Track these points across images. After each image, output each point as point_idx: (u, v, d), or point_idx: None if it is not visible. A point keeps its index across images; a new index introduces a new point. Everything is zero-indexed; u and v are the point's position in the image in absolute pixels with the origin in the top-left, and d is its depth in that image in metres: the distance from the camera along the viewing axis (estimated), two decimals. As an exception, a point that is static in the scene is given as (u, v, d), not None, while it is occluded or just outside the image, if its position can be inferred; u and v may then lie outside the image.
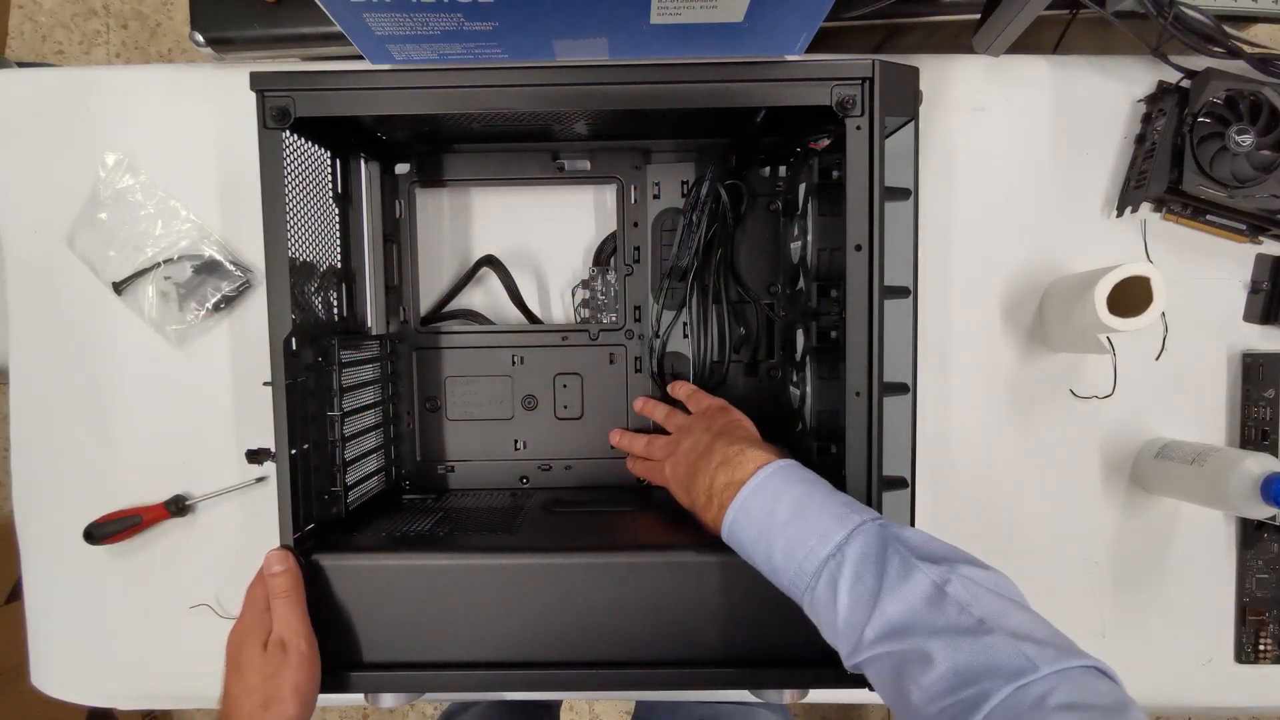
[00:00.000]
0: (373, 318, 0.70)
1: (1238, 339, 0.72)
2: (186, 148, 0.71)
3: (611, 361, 0.72)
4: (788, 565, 0.48)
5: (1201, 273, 0.71)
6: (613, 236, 0.72)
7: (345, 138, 0.65)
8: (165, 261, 0.71)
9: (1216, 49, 0.65)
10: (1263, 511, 0.62)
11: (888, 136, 0.55)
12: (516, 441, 0.73)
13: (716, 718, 0.77)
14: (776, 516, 0.49)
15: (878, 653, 0.43)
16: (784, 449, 0.55)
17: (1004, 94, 0.70)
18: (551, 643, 0.55)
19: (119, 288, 0.72)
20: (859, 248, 0.53)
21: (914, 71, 0.56)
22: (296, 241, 0.57)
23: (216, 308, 0.71)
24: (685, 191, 0.70)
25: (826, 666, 0.53)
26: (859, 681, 0.52)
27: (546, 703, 0.96)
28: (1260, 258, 0.71)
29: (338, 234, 0.66)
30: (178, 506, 0.72)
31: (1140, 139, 0.70)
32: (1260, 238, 0.70)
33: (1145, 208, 0.70)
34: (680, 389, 0.68)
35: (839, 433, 0.55)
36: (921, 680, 0.41)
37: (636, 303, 0.71)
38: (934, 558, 0.45)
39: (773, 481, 0.50)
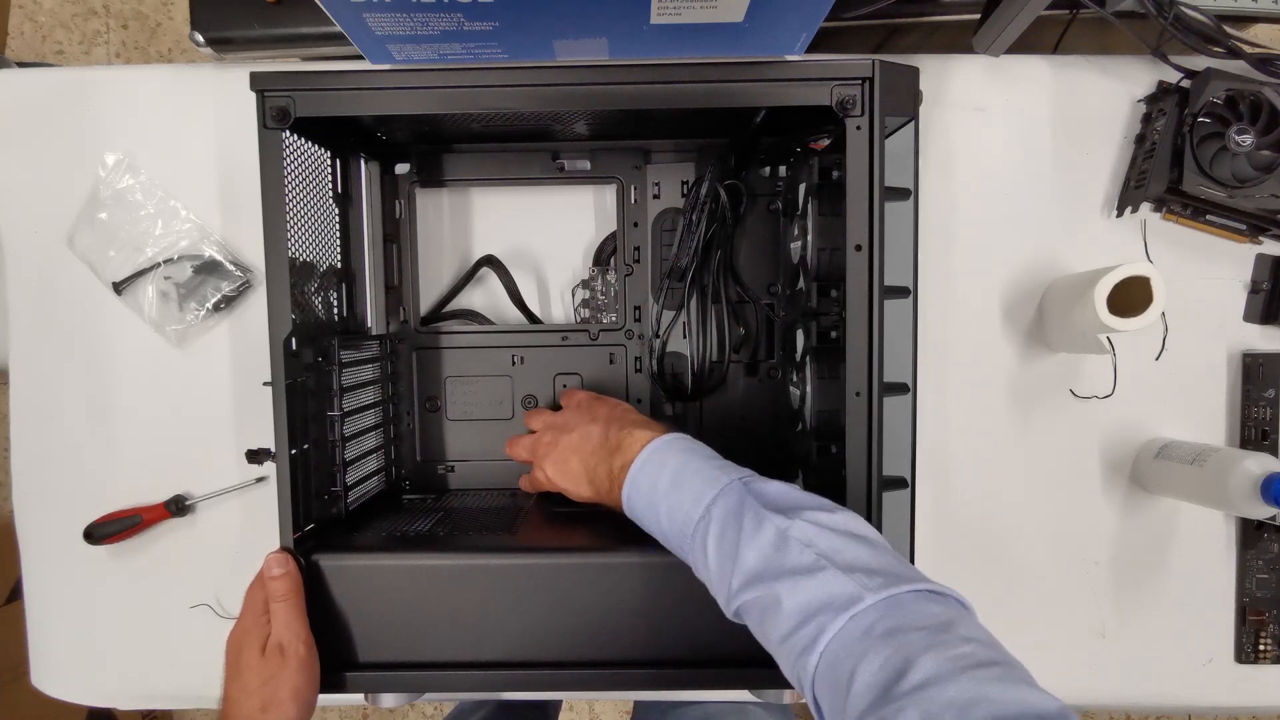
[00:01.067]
0: (373, 318, 0.71)
1: (1238, 339, 0.71)
2: (186, 148, 0.71)
3: (611, 361, 0.72)
4: (672, 530, 0.51)
5: (1201, 273, 0.71)
6: (613, 236, 0.72)
7: (345, 138, 0.65)
8: (165, 261, 0.71)
9: (1216, 49, 0.65)
10: (1263, 511, 0.62)
11: (888, 136, 0.55)
12: (516, 441, 0.73)
13: (714, 718, 0.77)
14: (659, 487, 0.52)
15: (744, 601, 0.45)
16: (672, 424, 0.57)
17: (1004, 94, 0.70)
18: (551, 643, 0.55)
19: (119, 288, 0.72)
20: (859, 248, 0.53)
21: (914, 71, 0.56)
22: (296, 241, 0.57)
23: (216, 308, 0.71)
24: (685, 191, 0.70)
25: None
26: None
27: (542, 704, 0.96)
28: (1260, 258, 0.71)
29: (338, 234, 0.66)
30: (178, 506, 0.72)
31: (1140, 139, 0.70)
32: (1260, 238, 0.70)
33: (1145, 208, 0.70)
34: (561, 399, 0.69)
35: (839, 433, 0.55)
36: (775, 620, 0.43)
37: (636, 303, 0.71)
38: (782, 508, 0.47)
39: (658, 455, 0.53)
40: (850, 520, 0.47)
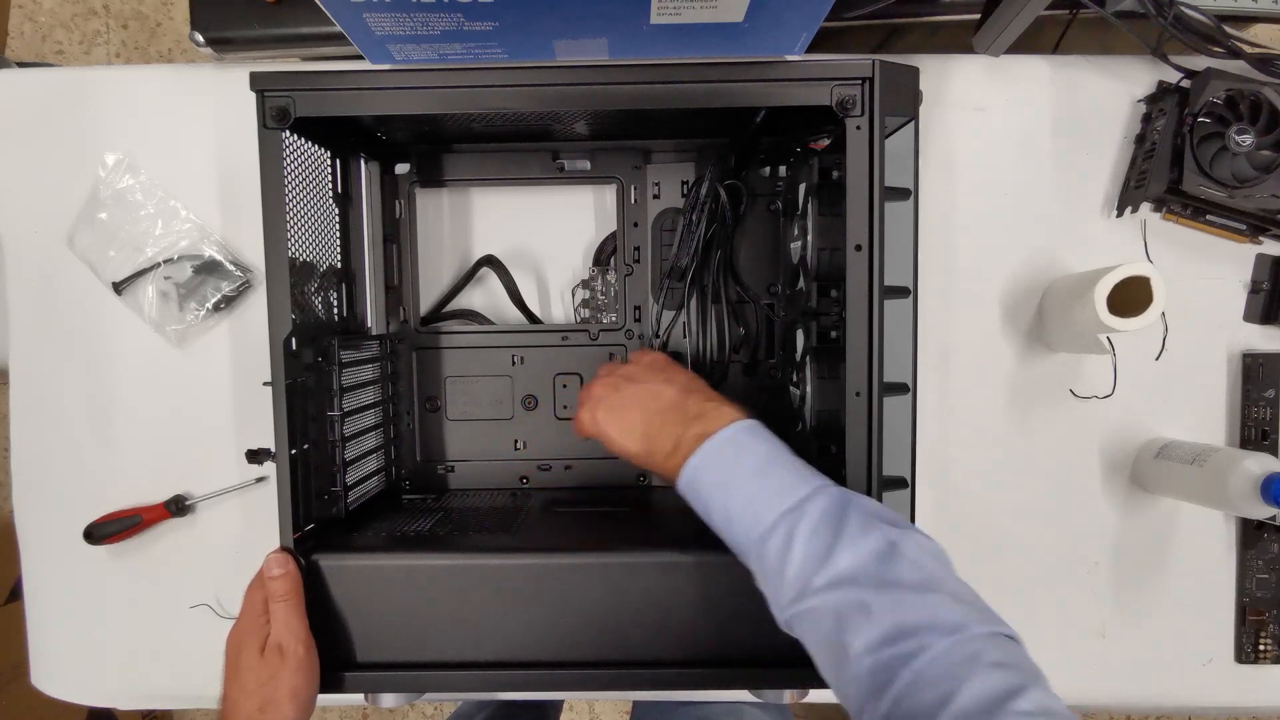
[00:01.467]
0: (373, 318, 0.71)
1: (1238, 339, 0.71)
2: (186, 148, 0.71)
3: (611, 361, 0.72)
4: (745, 514, 0.49)
5: (1201, 273, 0.71)
6: (613, 236, 0.72)
7: (345, 138, 0.65)
8: (165, 261, 0.71)
9: (1216, 49, 0.65)
10: (1263, 511, 0.62)
11: (888, 136, 0.55)
12: (516, 441, 0.73)
13: (713, 718, 0.77)
14: (742, 468, 0.51)
15: (822, 601, 0.45)
16: (750, 409, 0.56)
17: (1004, 94, 0.70)
18: (551, 643, 0.55)
19: (119, 288, 0.72)
20: (859, 248, 0.53)
21: (914, 71, 0.56)
22: (296, 241, 0.57)
23: (216, 308, 0.71)
24: (685, 191, 0.70)
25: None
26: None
27: (543, 705, 0.96)
28: (1260, 258, 0.71)
29: (338, 234, 0.66)
30: (178, 506, 0.72)
31: (1140, 139, 0.70)
32: (1260, 238, 0.70)
33: (1145, 208, 0.70)
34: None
35: (839, 433, 0.55)
36: (864, 627, 0.43)
37: (636, 303, 0.71)
38: (891, 521, 0.48)
39: (743, 436, 0.52)
40: (942, 551, 0.47)
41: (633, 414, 0.57)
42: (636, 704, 0.88)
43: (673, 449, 0.54)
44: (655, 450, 0.55)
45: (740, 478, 0.50)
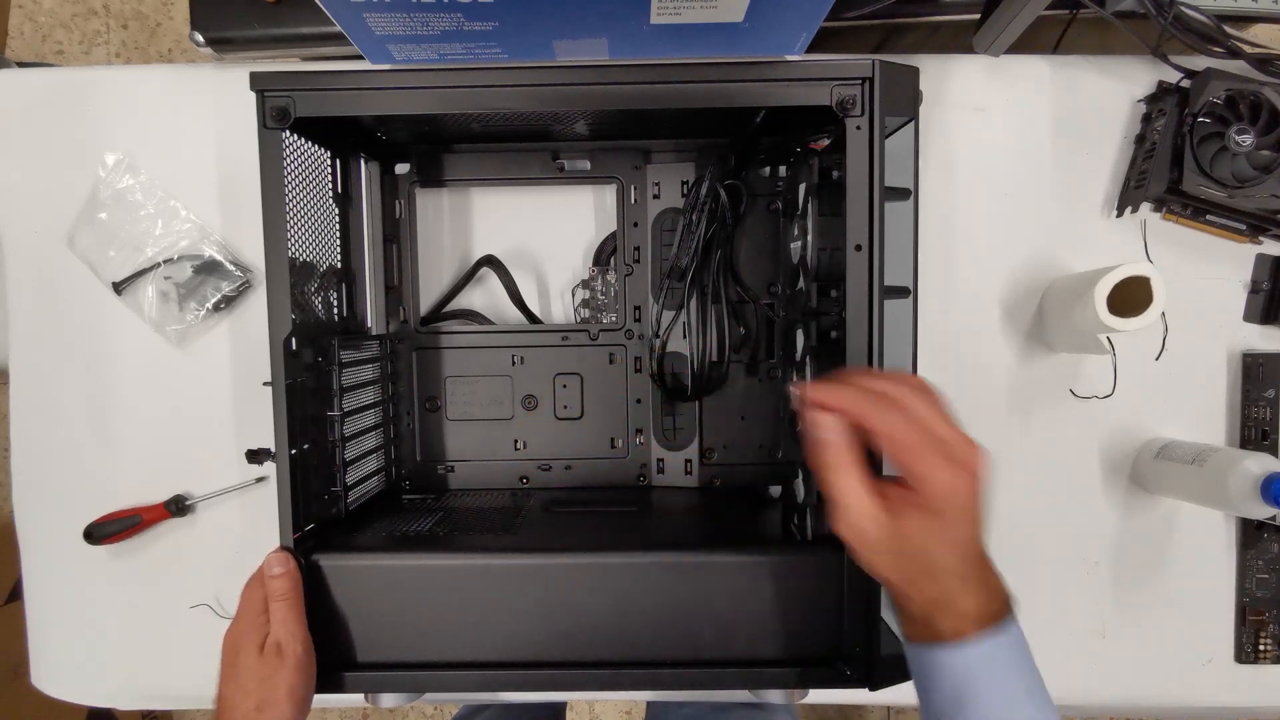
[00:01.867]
0: (373, 318, 0.71)
1: (1238, 339, 0.71)
2: (186, 148, 0.71)
3: (611, 361, 0.72)
4: None
5: (1201, 273, 0.71)
6: (613, 236, 0.72)
7: (345, 138, 0.65)
8: (165, 261, 0.71)
9: (1216, 49, 0.65)
10: (1263, 511, 0.62)
11: (888, 136, 0.55)
12: (516, 441, 0.73)
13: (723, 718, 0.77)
14: (1024, 683, 0.44)
15: None
16: None
17: (1004, 94, 0.70)
18: (552, 643, 0.55)
19: (119, 288, 0.72)
20: (859, 248, 0.53)
21: (914, 71, 0.56)
22: (296, 241, 0.57)
23: (216, 308, 0.71)
24: (685, 191, 0.70)
25: (826, 666, 0.54)
26: (858, 682, 0.52)
27: (550, 705, 0.96)
28: (1260, 258, 0.71)
29: (338, 234, 0.66)
30: (178, 506, 0.72)
31: (1140, 139, 0.70)
32: (1260, 238, 0.70)
33: (1145, 208, 0.70)
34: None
35: (839, 433, 0.55)
36: None
37: (636, 303, 0.71)
38: None
39: (1022, 638, 0.45)
40: None
41: (964, 535, 0.45)
42: (650, 706, 0.87)
43: (971, 614, 0.43)
44: (951, 599, 0.44)
45: (1022, 694, 0.43)
